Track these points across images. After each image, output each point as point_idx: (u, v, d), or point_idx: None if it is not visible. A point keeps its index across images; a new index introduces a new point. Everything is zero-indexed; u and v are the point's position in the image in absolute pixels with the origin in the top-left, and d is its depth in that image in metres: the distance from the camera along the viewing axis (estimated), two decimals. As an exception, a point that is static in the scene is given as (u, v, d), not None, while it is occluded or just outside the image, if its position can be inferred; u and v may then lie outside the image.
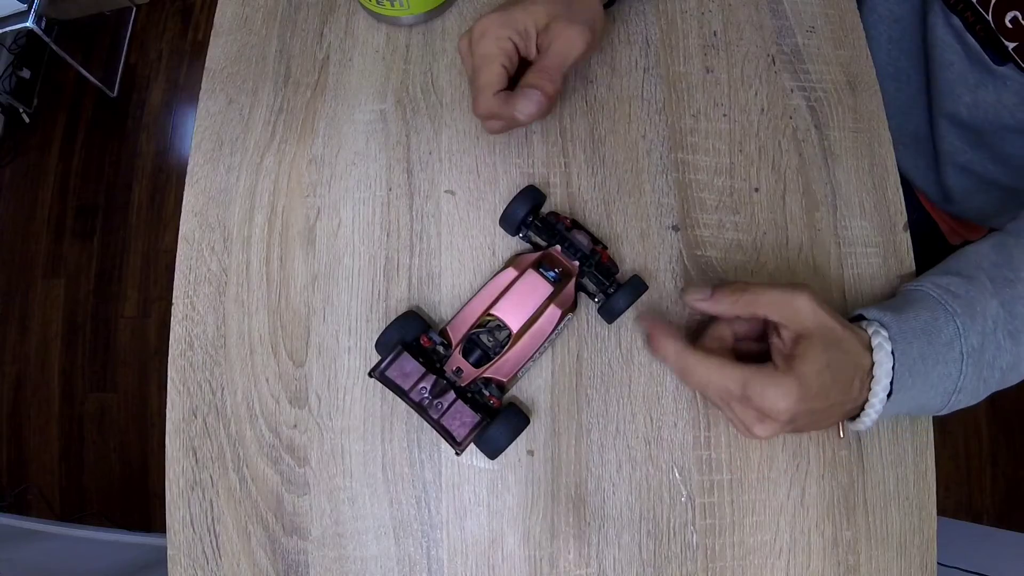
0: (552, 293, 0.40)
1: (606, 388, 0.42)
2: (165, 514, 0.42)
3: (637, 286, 0.41)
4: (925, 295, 0.40)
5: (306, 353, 0.44)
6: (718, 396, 0.38)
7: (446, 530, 0.41)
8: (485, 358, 0.40)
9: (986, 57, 0.51)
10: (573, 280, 0.41)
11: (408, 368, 0.39)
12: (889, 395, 0.37)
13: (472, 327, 0.40)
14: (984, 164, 0.60)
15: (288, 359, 0.44)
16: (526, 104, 0.42)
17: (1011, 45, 0.49)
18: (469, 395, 0.40)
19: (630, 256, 0.45)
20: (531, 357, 0.40)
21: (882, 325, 0.38)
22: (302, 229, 0.46)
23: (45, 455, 1.54)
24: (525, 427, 0.40)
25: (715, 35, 0.50)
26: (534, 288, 0.41)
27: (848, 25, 0.50)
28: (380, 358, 0.40)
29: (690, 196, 0.46)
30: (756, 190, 0.46)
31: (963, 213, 0.66)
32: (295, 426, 0.43)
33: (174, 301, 0.45)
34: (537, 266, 0.41)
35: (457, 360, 0.40)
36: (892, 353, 0.37)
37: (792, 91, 0.48)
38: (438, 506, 0.41)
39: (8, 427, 1.57)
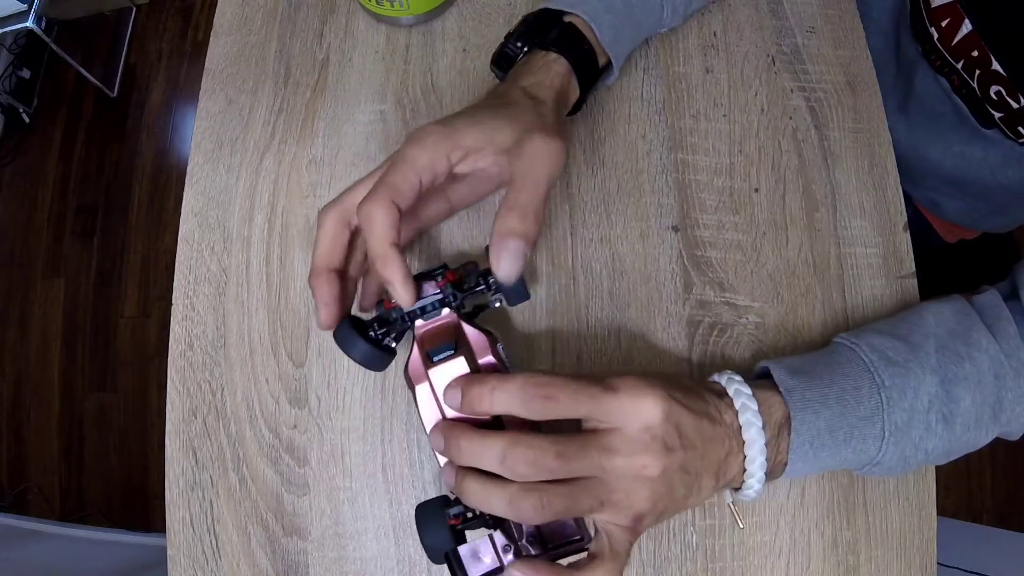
0: (468, 361, 0.33)
1: (606, 388, 0.42)
2: (165, 514, 0.42)
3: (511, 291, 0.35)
4: (854, 357, 0.36)
5: (306, 353, 0.44)
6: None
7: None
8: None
9: (973, 120, 0.51)
10: (460, 325, 0.35)
11: (482, 556, 0.33)
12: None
13: None
14: (966, 200, 0.60)
15: (288, 359, 0.44)
16: (512, 264, 0.33)
17: (997, 115, 0.49)
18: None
19: (630, 256, 0.45)
20: None
21: (786, 389, 0.34)
22: (302, 229, 0.46)
23: (45, 455, 1.54)
24: None
25: (715, 35, 0.50)
26: (451, 379, 0.33)
27: (848, 25, 0.50)
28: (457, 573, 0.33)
29: (690, 196, 0.46)
30: (756, 190, 0.46)
31: (953, 220, 0.66)
32: (295, 426, 0.43)
33: (174, 301, 0.45)
34: (429, 362, 0.33)
35: None
36: (787, 416, 0.33)
37: (792, 91, 0.48)
38: (438, 506, 0.41)
39: (8, 427, 1.57)
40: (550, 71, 0.39)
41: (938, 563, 0.41)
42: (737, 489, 0.35)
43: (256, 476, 0.42)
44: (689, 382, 0.35)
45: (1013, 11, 0.44)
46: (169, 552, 0.42)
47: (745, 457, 0.33)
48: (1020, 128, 0.48)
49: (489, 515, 0.33)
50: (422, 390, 0.34)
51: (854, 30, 0.50)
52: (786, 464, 0.34)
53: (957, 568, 0.82)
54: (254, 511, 0.42)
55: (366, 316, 0.38)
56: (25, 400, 1.58)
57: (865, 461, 0.35)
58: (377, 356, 0.35)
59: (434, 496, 0.35)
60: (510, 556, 0.32)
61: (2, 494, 1.51)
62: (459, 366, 0.33)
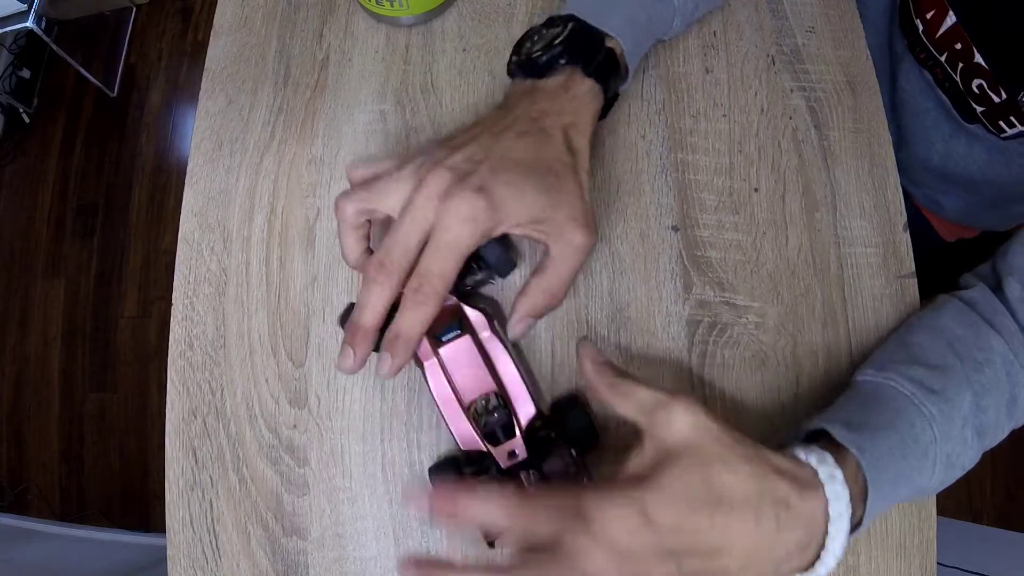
0: (473, 339, 0.37)
1: (606, 388, 0.42)
2: (165, 514, 0.42)
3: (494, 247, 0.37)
4: (896, 394, 0.34)
5: (306, 353, 0.44)
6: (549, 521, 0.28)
7: (446, 531, 0.41)
8: (510, 427, 0.37)
9: (956, 114, 0.51)
10: (461, 307, 0.38)
11: None
12: None
13: (477, 429, 0.37)
14: (961, 195, 0.60)
15: (288, 359, 0.44)
16: (525, 330, 0.37)
17: (979, 109, 0.49)
18: (543, 443, 0.37)
19: (629, 256, 0.45)
20: (525, 377, 0.38)
21: (858, 450, 0.31)
22: (302, 230, 0.46)
23: (45, 455, 1.54)
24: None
25: (715, 35, 0.50)
26: (459, 355, 0.37)
27: (848, 25, 0.50)
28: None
29: (690, 196, 0.46)
30: (756, 190, 0.46)
31: (953, 218, 0.66)
32: (295, 426, 0.43)
33: (174, 301, 0.45)
34: (437, 342, 0.37)
35: (502, 452, 0.37)
36: (864, 483, 0.31)
37: (792, 91, 0.48)
38: (438, 506, 0.41)
39: (8, 427, 1.57)
40: (589, 108, 0.38)
41: (938, 563, 0.40)
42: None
43: (256, 476, 0.42)
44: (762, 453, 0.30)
45: (996, 4, 0.44)
46: (169, 552, 0.42)
47: (824, 547, 0.30)
48: (1001, 122, 0.48)
49: (499, 471, 0.36)
50: (431, 366, 0.37)
51: (854, 30, 0.50)
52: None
53: (957, 568, 0.82)
54: (254, 511, 0.42)
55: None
56: (25, 400, 1.58)
57: (913, 493, 0.34)
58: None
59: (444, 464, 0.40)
60: None
61: (2, 494, 1.51)
62: (465, 343, 0.37)
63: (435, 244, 0.33)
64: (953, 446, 0.34)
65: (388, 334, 0.34)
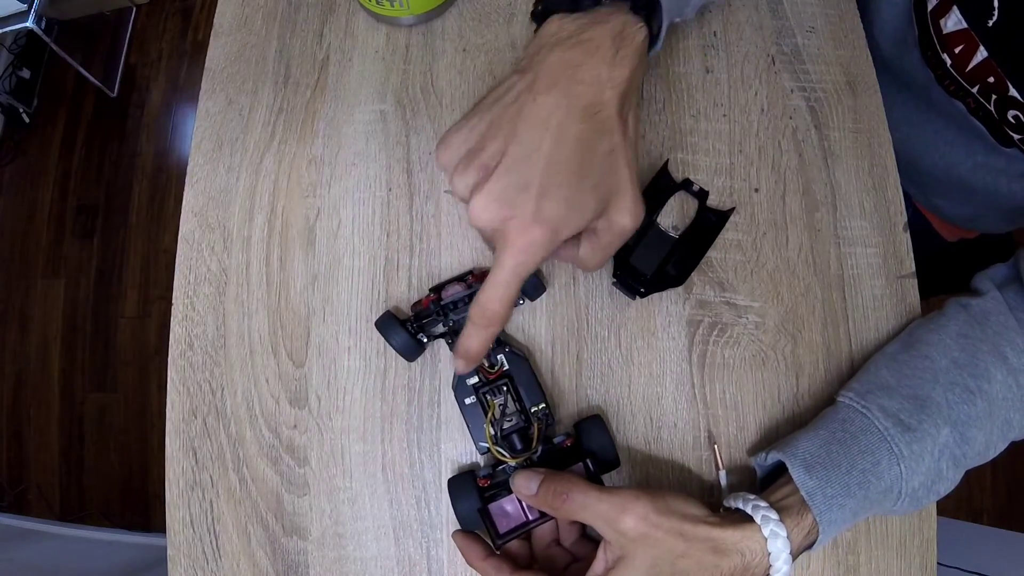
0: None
1: (606, 388, 0.43)
2: (165, 514, 0.42)
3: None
4: (868, 426, 0.35)
5: (306, 353, 0.44)
6: None
7: (446, 530, 0.41)
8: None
9: (991, 138, 0.50)
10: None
11: (508, 508, 0.38)
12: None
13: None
14: (969, 206, 0.60)
15: (288, 359, 0.44)
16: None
17: (1016, 136, 0.47)
18: (561, 454, 0.39)
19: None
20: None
21: (808, 495, 0.33)
22: (302, 229, 0.46)
23: (45, 455, 1.54)
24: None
25: (715, 35, 0.50)
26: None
27: (848, 25, 0.50)
28: (490, 530, 0.37)
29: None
30: (756, 190, 0.46)
31: (953, 221, 0.66)
32: (295, 426, 0.43)
33: (174, 301, 0.45)
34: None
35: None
36: (815, 521, 0.33)
37: (792, 91, 0.48)
38: (438, 506, 0.41)
39: (8, 427, 1.57)
40: (643, 62, 0.33)
41: (938, 563, 0.41)
42: None
43: (256, 476, 0.42)
44: (696, 531, 0.32)
45: None
46: (169, 552, 0.42)
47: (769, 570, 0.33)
48: None
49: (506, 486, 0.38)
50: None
51: (854, 30, 0.50)
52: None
53: (957, 568, 0.82)
54: (254, 511, 0.42)
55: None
56: (25, 400, 1.58)
57: (883, 514, 0.37)
58: (413, 346, 0.40)
59: (444, 493, 0.40)
60: (535, 512, 0.37)
61: (2, 494, 1.51)
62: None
63: (504, 275, 0.31)
64: (923, 479, 0.35)
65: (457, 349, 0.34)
